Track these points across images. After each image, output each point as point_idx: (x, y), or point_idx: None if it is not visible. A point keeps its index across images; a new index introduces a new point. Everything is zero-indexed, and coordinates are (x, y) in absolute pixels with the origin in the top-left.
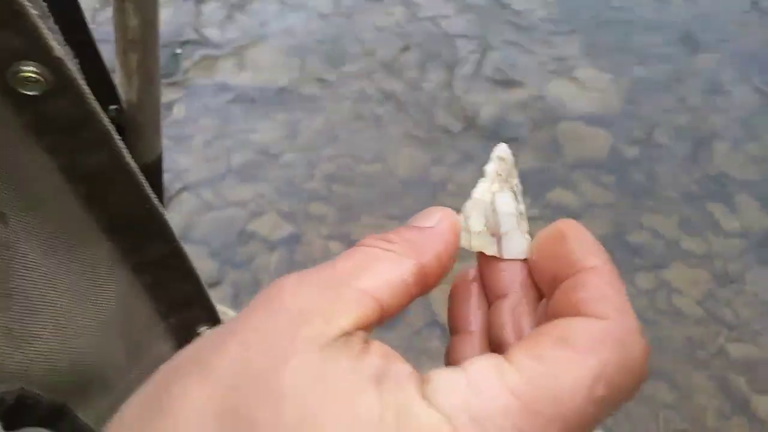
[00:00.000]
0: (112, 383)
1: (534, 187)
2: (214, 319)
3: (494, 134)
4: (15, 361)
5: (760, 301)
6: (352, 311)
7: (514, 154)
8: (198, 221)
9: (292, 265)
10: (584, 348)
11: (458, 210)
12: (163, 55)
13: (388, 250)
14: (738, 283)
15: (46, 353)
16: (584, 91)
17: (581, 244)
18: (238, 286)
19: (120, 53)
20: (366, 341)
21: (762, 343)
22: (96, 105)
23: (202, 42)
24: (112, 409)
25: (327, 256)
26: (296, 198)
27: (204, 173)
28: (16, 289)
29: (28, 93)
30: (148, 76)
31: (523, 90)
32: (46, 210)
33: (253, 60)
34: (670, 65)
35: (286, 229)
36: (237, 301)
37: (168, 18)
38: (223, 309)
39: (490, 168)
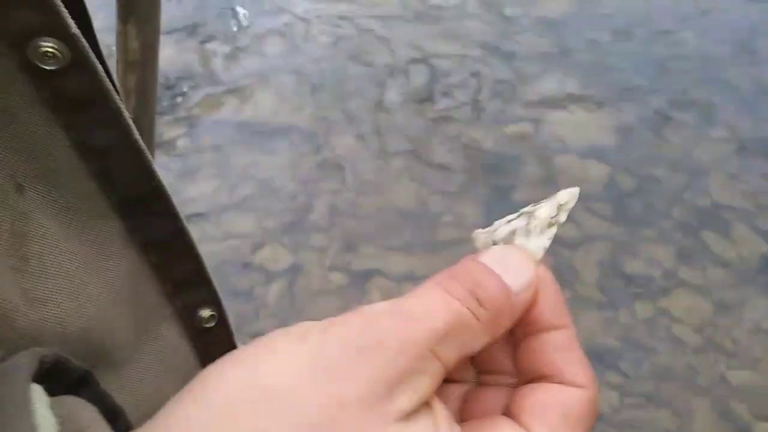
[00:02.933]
0: (120, 362)
1: None
2: (216, 303)
3: (491, 167)
4: (29, 320)
5: (758, 329)
6: (420, 388)
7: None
8: (200, 252)
9: (292, 296)
10: (578, 419)
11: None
12: (165, 97)
13: (477, 318)
14: (736, 311)
15: (59, 316)
16: (581, 124)
17: (552, 301)
18: (240, 317)
19: (120, 73)
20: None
21: (762, 370)
22: (109, 83)
23: (207, 80)
24: (122, 387)
25: (327, 287)
26: (297, 229)
27: (206, 205)
28: (32, 254)
29: (47, 68)
30: (145, 95)
31: (520, 124)
32: (60, 184)
33: (257, 97)
34: (665, 97)
35: (287, 260)
36: (239, 332)
37: (173, 56)
38: None
39: (544, 212)
